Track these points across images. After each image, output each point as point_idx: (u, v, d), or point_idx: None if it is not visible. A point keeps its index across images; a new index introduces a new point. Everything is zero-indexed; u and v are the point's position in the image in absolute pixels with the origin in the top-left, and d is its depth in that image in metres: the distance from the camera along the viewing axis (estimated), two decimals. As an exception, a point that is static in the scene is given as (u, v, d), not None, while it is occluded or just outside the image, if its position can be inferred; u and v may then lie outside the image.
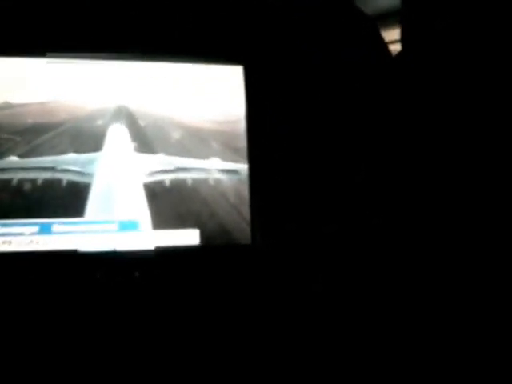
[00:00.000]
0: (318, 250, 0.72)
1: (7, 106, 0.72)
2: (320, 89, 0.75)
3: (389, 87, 0.72)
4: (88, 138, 0.73)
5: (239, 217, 0.73)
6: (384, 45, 0.74)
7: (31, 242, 0.70)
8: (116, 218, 0.71)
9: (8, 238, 0.69)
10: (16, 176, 0.71)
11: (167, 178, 0.73)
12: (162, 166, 0.73)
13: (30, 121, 0.72)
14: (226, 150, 0.75)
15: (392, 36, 0.91)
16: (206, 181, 0.74)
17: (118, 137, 0.74)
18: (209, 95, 0.75)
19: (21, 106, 0.72)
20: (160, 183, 0.73)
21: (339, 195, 0.73)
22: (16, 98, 0.72)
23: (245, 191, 0.74)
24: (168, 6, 0.73)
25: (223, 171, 0.74)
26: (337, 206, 0.73)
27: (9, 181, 0.71)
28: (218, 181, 0.74)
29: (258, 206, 0.73)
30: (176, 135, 0.74)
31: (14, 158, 0.72)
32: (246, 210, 0.73)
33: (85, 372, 0.64)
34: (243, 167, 0.74)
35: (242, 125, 0.75)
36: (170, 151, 0.74)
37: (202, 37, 0.74)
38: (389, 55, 0.74)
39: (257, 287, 0.70)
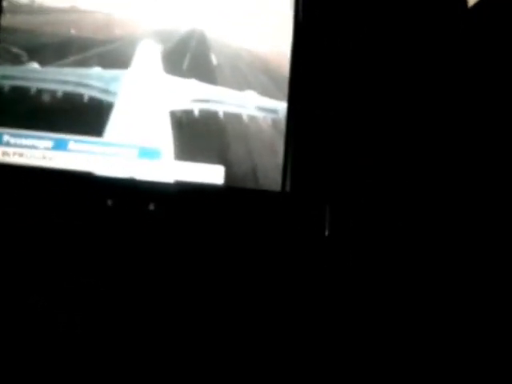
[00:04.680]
0: (348, 203, 0.64)
1: (73, 9, 0.67)
2: (377, 30, 0.67)
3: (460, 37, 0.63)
4: (119, 56, 0.66)
5: (271, 160, 0.66)
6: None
7: (44, 157, 0.64)
8: (137, 144, 0.65)
9: (20, 150, 0.64)
10: (35, 85, 0.66)
11: (197, 108, 0.66)
12: (193, 93, 0.66)
13: (83, 32, 0.66)
14: (266, 84, 0.67)
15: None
16: (239, 116, 0.66)
17: (148, 55, 0.67)
18: (257, 24, 0.67)
19: (86, 12, 0.66)
20: (189, 112, 0.66)
21: (379, 148, 0.65)
22: (83, 5, 0.67)
23: (280, 133, 0.66)
24: None
25: (260, 108, 0.66)
26: (374, 158, 0.65)
27: (27, 89, 0.65)
28: (252, 118, 0.66)
29: (292, 150, 0.65)
30: (213, 60, 0.67)
31: (35, 66, 0.66)
32: (279, 154, 0.66)
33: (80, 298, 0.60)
34: (282, 106, 0.66)
35: (286, 61, 0.67)
36: (204, 78, 0.66)
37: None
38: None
39: (280, 238, 0.64)
